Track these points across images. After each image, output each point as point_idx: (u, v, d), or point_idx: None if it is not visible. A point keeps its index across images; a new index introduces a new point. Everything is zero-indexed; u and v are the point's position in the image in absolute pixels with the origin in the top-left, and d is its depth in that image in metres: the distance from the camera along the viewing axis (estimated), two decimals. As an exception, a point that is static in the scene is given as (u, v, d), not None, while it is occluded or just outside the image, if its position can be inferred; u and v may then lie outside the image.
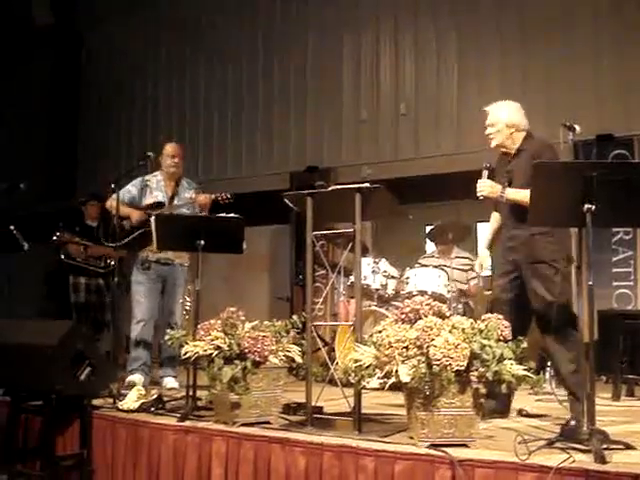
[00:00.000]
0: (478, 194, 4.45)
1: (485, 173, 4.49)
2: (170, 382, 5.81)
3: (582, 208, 3.45)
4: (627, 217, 3.66)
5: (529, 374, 3.48)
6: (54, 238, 7.06)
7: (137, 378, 5.23)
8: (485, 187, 4.43)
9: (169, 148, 6.01)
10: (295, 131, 10.04)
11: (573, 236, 4.44)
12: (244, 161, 10.44)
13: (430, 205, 8.71)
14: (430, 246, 7.81)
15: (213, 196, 5.76)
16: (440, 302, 3.83)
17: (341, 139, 9.71)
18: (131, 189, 5.89)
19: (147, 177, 6.01)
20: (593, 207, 3.45)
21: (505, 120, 4.54)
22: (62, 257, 7.21)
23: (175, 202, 5.92)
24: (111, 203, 5.69)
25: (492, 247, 4.90)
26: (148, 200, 5.95)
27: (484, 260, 4.99)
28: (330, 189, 4.33)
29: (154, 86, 11.35)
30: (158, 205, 5.87)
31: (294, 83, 10.08)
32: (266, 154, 10.26)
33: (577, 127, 4.02)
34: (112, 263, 5.96)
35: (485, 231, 5.01)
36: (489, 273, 5.29)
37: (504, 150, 4.62)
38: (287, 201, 4.40)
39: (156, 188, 5.95)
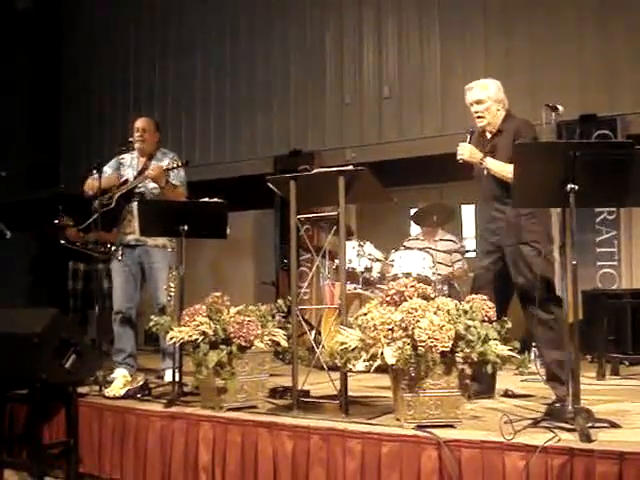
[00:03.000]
0: (458, 157, 4.40)
1: (468, 137, 4.47)
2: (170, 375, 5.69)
3: (565, 188, 3.46)
4: (610, 197, 3.67)
5: (514, 354, 3.50)
6: (55, 221, 6.96)
7: (121, 373, 5.16)
8: (466, 150, 4.39)
9: (137, 122, 5.85)
10: (279, 115, 9.99)
11: (554, 215, 4.45)
12: (227, 145, 10.39)
13: (414, 188, 8.70)
14: (414, 229, 7.82)
15: (164, 166, 5.54)
16: (425, 284, 3.83)
17: (325, 123, 9.67)
18: (106, 169, 5.75)
19: (122, 155, 5.87)
20: (576, 187, 3.46)
21: (493, 97, 4.50)
22: (62, 242, 7.10)
23: (130, 179, 5.73)
24: (88, 183, 5.62)
25: None
26: (122, 179, 5.79)
27: None
28: (313, 172, 4.32)
29: (136, 71, 11.26)
30: (123, 183, 5.75)
31: (277, 67, 10.02)
32: (249, 138, 10.21)
33: (560, 107, 4.01)
34: (113, 248, 5.81)
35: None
36: (474, 255, 5.30)
37: (488, 128, 4.56)
38: (271, 185, 4.39)
39: (129, 166, 5.79)
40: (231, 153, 10.32)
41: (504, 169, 4.22)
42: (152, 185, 5.60)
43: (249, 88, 10.19)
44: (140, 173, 5.71)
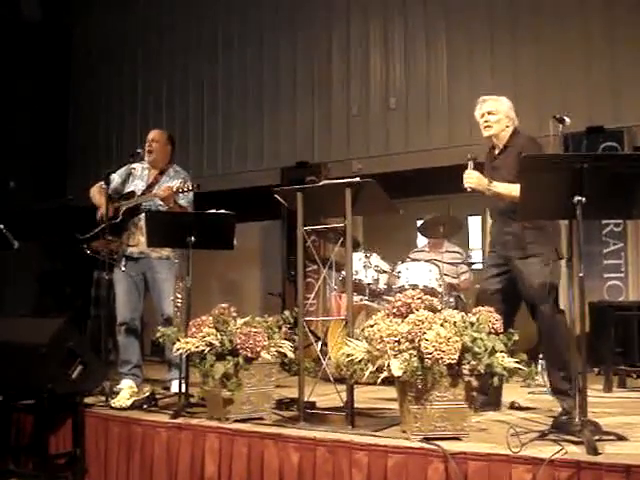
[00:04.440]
0: (465, 185, 4.42)
1: (471, 164, 4.47)
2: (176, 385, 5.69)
3: (572, 200, 3.46)
4: (617, 209, 3.68)
5: (521, 366, 3.49)
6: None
7: (127, 385, 5.15)
8: (472, 179, 4.41)
9: (150, 133, 5.86)
10: (286, 126, 10.02)
11: (563, 229, 4.45)
12: (235, 157, 10.42)
13: (421, 199, 8.70)
14: (421, 240, 7.82)
15: (174, 187, 5.53)
16: (432, 296, 3.83)
17: (331, 134, 9.70)
18: (115, 177, 5.77)
19: (134, 165, 5.85)
20: (583, 199, 3.46)
21: (506, 112, 4.55)
22: (87, 252, 7.05)
23: (138, 193, 5.71)
24: (93, 191, 5.67)
25: None
26: (129, 189, 5.79)
27: None
28: (320, 184, 4.33)
29: (144, 82, 11.30)
30: (130, 195, 5.75)
31: (284, 78, 10.06)
32: (257, 150, 10.24)
33: (567, 119, 4.02)
34: (116, 257, 5.78)
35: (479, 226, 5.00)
36: (480, 267, 5.31)
37: (493, 143, 4.61)
38: (278, 197, 4.40)
39: (139, 177, 5.78)
40: (238, 164, 10.35)
41: (512, 189, 4.20)
42: (159, 202, 5.60)
43: (257, 100, 10.22)
44: (149, 187, 5.72)
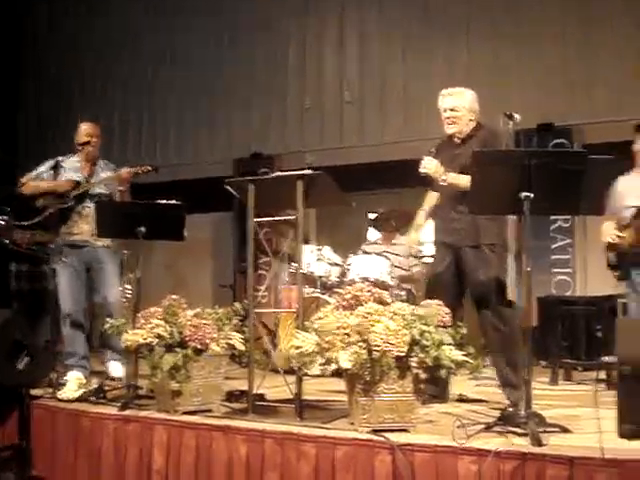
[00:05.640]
0: (421, 169, 4.41)
1: (432, 153, 4.49)
2: (114, 368, 5.65)
3: (519, 196, 3.51)
4: (564, 205, 3.73)
5: (468, 359, 3.53)
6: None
7: (74, 376, 5.09)
8: (430, 165, 4.40)
9: (86, 127, 5.81)
10: (240, 118, 9.95)
11: (509, 223, 4.51)
12: (188, 147, 10.31)
13: (374, 193, 8.71)
14: (373, 233, 7.85)
15: (133, 170, 5.51)
16: (383, 289, 3.86)
17: (286, 126, 9.67)
18: (41, 169, 5.66)
19: (60, 158, 5.76)
20: (531, 195, 3.50)
21: (468, 107, 4.55)
22: (7, 243, 6.94)
23: (92, 180, 5.65)
24: (29, 183, 5.60)
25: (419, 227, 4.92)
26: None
27: (413, 242, 5.04)
28: (272, 176, 4.32)
29: (94, 72, 11.05)
30: (77, 185, 5.68)
31: (240, 69, 9.98)
32: (210, 140, 10.15)
33: (517, 116, 4.05)
34: (52, 247, 5.71)
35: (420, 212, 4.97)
36: (431, 260, 5.34)
37: (458, 136, 4.60)
38: (229, 188, 4.38)
39: (71, 169, 5.68)
40: (192, 155, 10.25)
41: (464, 182, 4.22)
42: (104, 192, 5.58)
43: (211, 90, 10.11)
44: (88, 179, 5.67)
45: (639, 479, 2.91)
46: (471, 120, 4.55)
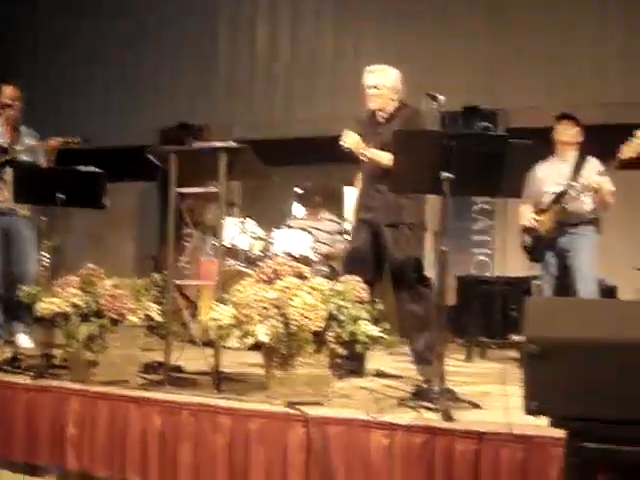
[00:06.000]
0: (341, 142, 4.42)
1: (357, 126, 4.52)
2: (23, 340, 5.55)
3: (440, 176, 3.56)
4: (483, 187, 3.81)
5: (383, 335, 3.58)
6: None
7: None
8: (351, 140, 4.41)
9: (9, 90, 5.65)
10: (168, 87, 9.79)
11: (427, 202, 4.57)
12: (114, 115, 10.10)
13: (301, 167, 8.71)
14: (298, 209, 7.85)
15: (63, 139, 5.40)
16: (305, 264, 3.88)
17: (215, 98, 9.56)
18: None
19: None
20: (451, 176, 3.56)
21: (389, 85, 4.55)
22: None
23: (18, 147, 5.54)
24: None
25: None
26: None
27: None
28: (194, 147, 4.29)
29: (23, 35, 10.69)
30: (4, 151, 5.54)
31: (169, 38, 9.80)
32: (137, 109, 9.96)
33: (440, 97, 4.05)
34: None
35: (352, 195, 5.03)
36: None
37: (380, 114, 4.62)
38: (151, 157, 4.32)
39: None
40: (118, 123, 10.02)
41: (384, 158, 4.27)
42: (29, 160, 5.46)
43: (139, 58, 9.92)
44: (11, 144, 5.51)
45: (543, 454, 3.00)
46: (393, 99, 4.57)
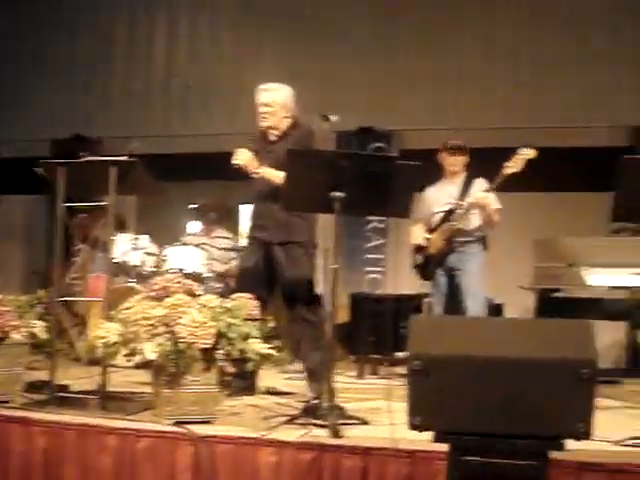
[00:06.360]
0: (233, 160, 4.40)
1: (251, 145, 4.53)
2: None
3: (331, 195, 3.61)
4: (373, 206, 3.89)
5: (273, 352, 3.60)
6: None
7: None
8: (244, 156, 4.40)
9: None
10: (63, 97, 9.53)
11: (320, 221, 4.62)
12: (4, 124, 9.76)
13: (198, 183, 8.67)
14: (194, 225, 7.79)
15: None
16: (197, 281, 3.85)
17: (111, 109, 9.38)
18: None
19: None
20: (341, 195, 3.62)
21: (281, 103, 4.56)
22: None
23: None
24: None
25: None
26: None
27: None
28: (83, 160, 4.19)
29: None
30: None
31: (65, 47, 9.56)
32: (30, 119, 9.64)
33: (333, 117, 4.07)
34: None
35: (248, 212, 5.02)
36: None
37: (273, 132, 4.62)
38: (38, 171, 4.21)
39: None
40: (8, 132, 9.69)
41: (277, 177, 4.27)
42: None
43: (34, 69, 9.62)
44: None
45: (429, 468, 3.07)
46: (286, 117, 4.59)
